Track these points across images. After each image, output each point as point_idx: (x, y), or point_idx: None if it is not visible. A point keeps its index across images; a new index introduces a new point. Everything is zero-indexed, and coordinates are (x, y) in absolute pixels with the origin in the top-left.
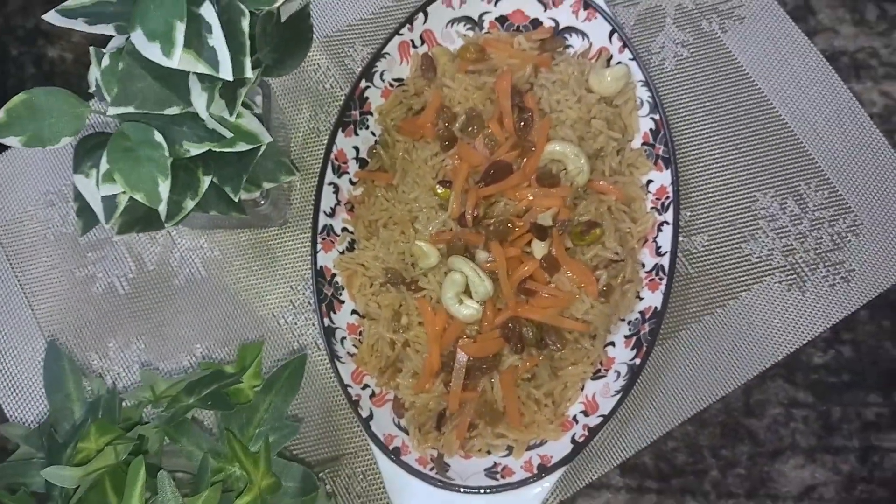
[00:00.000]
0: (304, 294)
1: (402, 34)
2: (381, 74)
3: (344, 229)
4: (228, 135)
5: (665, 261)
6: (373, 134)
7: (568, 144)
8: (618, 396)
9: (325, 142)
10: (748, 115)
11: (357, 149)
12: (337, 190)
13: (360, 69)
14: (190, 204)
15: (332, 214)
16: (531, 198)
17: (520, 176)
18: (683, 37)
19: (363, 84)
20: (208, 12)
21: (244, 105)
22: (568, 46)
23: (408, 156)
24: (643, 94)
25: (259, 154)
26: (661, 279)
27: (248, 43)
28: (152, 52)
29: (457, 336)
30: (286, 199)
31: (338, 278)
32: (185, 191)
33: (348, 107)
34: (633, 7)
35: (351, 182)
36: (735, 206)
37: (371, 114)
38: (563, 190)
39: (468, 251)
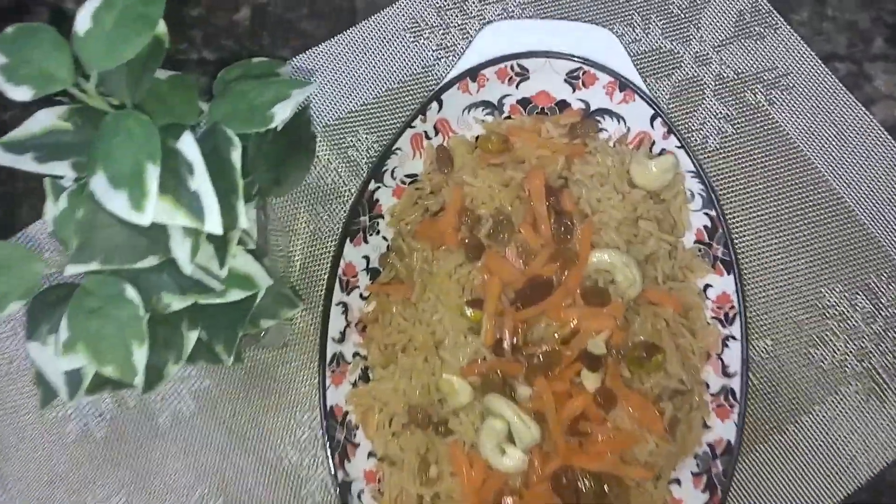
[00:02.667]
0: (309, 428)
1: (414, 126)
2: (392, 172)
3: (356, 354)
4: (218, 286)
5: (734, 383)
6: (384, 239)
7: (615, 252)
8: None
9: (329, 247)
10: (805, 199)
11: (367, 258)
12: (346, 309)
13: (364, 160)
14: (173, 368)
15: (341, 339)
16: (577, 320)
17: (562, 293)
18: (726, 111)
19: (372, 185)
20: (188, 147)
21: (238, 241)
22: (601, 130)
23: (427, 266)
24: (694, 185)
25: (257, 301)
26: (731, 406)
27: (240, 182)
28: (117, 203)
29: (498, 490)
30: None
31: (351, 416)
32: (165, 351)
33: (356, 212)
34: (666, 79)
35: (361, 297)
36: (799, 304)
37: (382, 216)
38: (615, 308)
39: (506, 384)
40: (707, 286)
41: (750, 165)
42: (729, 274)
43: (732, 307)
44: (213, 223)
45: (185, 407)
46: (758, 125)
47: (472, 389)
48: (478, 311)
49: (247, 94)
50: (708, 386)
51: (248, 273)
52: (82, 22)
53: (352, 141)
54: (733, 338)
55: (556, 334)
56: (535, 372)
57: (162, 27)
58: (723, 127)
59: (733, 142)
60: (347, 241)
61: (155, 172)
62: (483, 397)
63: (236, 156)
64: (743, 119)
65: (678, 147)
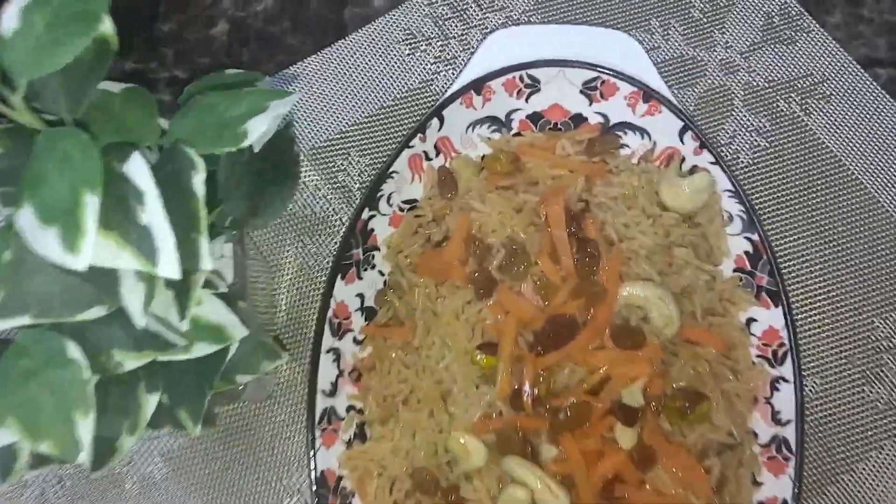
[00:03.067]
0: (298, 493)
1: (412, 146)
2: (389, 198)
3: (350, 408)
4: (181, 341)
5: (787, 432)
6: (381, 274)
7: (649, 285)
8: None
9: (319, 285)
10: (852, 219)
11: (362, 296)
12: (338, 357)
13: (357, 186)
14: (128, 441)
15: (332, 392)
16: (608, 365)
17: (589, 334)
18: (758, 122)
19: (366, 214)
20: (138, 171)
21: (206, 282)
22: (623, 146)
23: (430, 304)
24: (732, 207)
25: (229, 356)
26: (785, 458)
27: (203, 214)
28: (46, 243)
29: None
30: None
31: (346, 481)
32: (118, 420)
33: (348, 244)
34: (689, 89)
35: (356, 341)
36: (850, 336)
37: (377, 248)
38: (651, 351)
39: (527, 443)
40: (751, 320)
41: (788, 183)
42: (776, 306)
43: (782, 344)
44: (169, 265)
45: (155, 470)
46: (794, 138)
47: (487, 450)
48: (491, 356)
49: (215, 108)
50: (756, 436)
51: (218, 322)
52: (8, 21)
53: (343, 165)
54: (784, 380)
55: (583, 383)
56: (560, 428)
57: (108, 26)
58: (755, 140)
59: (768, 157)
60: (338, 277)
61: (94, 203)
62: (500, 459)
63: (199, 181)
64: (777, 131)
65: (712, 163)
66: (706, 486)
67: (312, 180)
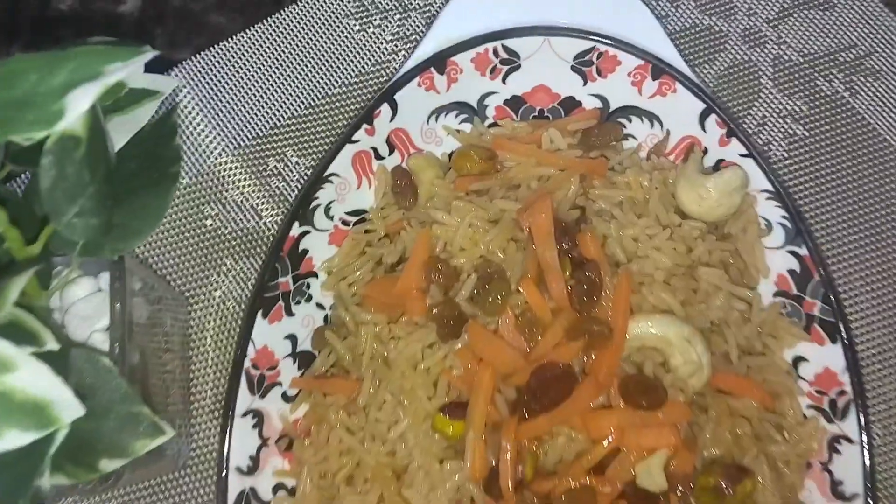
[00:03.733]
0: None
1: (356, 140)
2: (328, 208)
3: (278, 488)
4: None
5: None
6: (319, 307)
7: (669, 321)
8: None
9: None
10: None
11: (293, 339)
12: (260, 420)
13: (295, 193)
14: None
15: (252, 469)
16: (617, 432)
17: (590, 389)
18: (792, 105)
19: (296, 230)
20: None
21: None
22: (627, 137)
23: (381, 348)
24: (771, 212)
25: (54, 446)
26: None
27: None
28: None
29: None
30: (184, 427)
31: None
32: None
33: (273, 271)
34: (707, 66)
35: (286, 397)
36: None
37: (314, 275)
38: (675, 411)
39: None
40: (799, 360)
41: (833, 180)
42: (833, 341)
43: (843, 392)
44: None
45: None
46: (838, 123)
47: None
48: (459, 421)
49: (20, 77)
50: None
51: (39, 398)
52: None
53: (277, 167)
54: (847, 439)
55: (584, 458)
56: None
57: None
58: (790, 128)
59: (806, 148)
60: (259, 314)
61: None
62: None
63: None
64: (817, 116)
65: (744, 156)
66: None
67: (239, 187)
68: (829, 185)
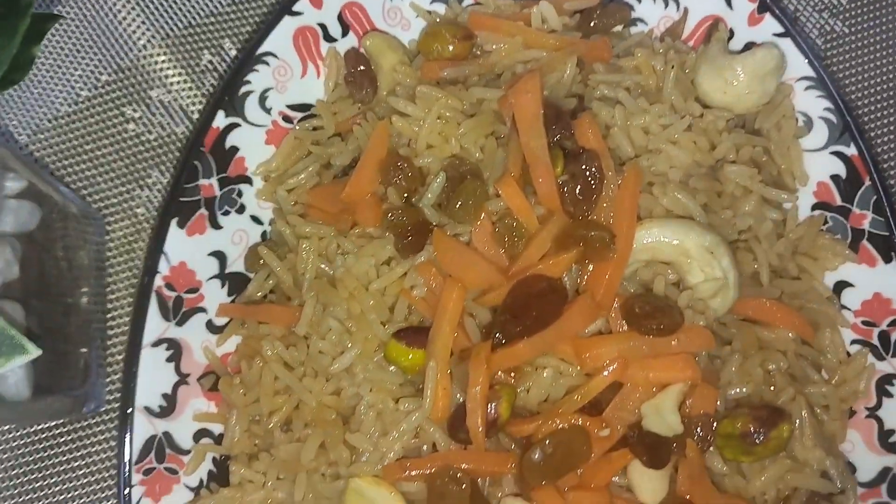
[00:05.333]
0: None
1: (297, 12)
2: (263, 98)
3: (200, 433)
4: None
5: None
6: (255, 221)
7: (687, 227)
8: None
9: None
10: None
11: (221, 256)
12: (177, 353)
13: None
14: None
15: (167, 411)
16: (618, 364)
17: (585, 310)
18: None
19: (221, 121)
20: None
21: None
22: (635, 22)
23: (326, 266)
24: (812, 105)
25: None
26: None
27: None
28: None
29: None
30: (96, 364)
31: None
32: None
33: (192, 171)
34: None
35: (211, 327)
36: None
37: (249, 181)
38: (696, 338)
39: (480, 497)
40: (842, 285)
41: (875, 79)
42: (888, 261)
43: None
44: None
45: None
46: (879, 18)
47: None
48: (419, 349)
49: None
50: (854, 470)
51: None
52: None
53: (211, 60)
54: None
55: (575, 394)
56: (535, 475)
57: None
58: (826, 24)
59: (845, 45)
60: (174, 224)
61: None
62: None
63: None
64: (857, 9)
65: (779, 35)
66: None
67: (167, 85)
68: (860, 79)
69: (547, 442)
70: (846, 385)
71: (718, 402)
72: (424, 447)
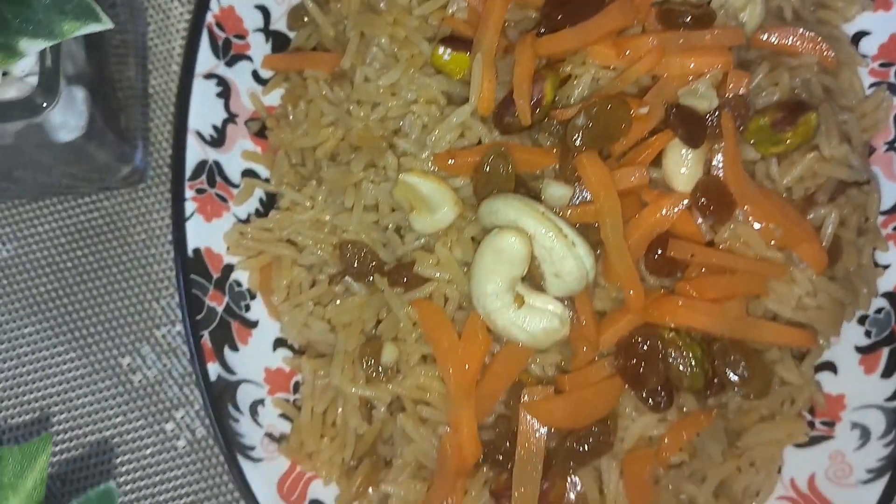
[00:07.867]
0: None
1: None
2: None
3: (248, 173)
4: None
5: None
6: None
7: None
8: (874, 483)
9: None
10: None
11: (265, 10)
12: (226, 90)
13: None
14: None
15: (218, 141)
16: (655, 56)
17: (623, 8)
18: None
19: None
20: None
21: None
22: None
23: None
24: None
25: None
26: None
27: None
28: None
29: (512, 380)
30: (141, 133)
31: (239, 273)
32: None
33: None
34: None
35: (257, 77)
36: None
37: None
38: (728, 34)
39: (522, 184)
40: (861, 34)
41: None
42: None
43: None
44: None
45: None
46: None
47: (457, 198)
48: (460, 52)
49: None
50: (877, 194)
51: None
52: None
53: None
54: None
55: (617, 83)
56: (580, 138)
57: None
58: None
59: None
60: None
61: None
62: (478, 210)
63: None
64: None
65: None
66: (817, 251)
67: None
68: None
69: (592, 109)
70: (866, 118)
71: (749, 102)
72: (468, 142)
